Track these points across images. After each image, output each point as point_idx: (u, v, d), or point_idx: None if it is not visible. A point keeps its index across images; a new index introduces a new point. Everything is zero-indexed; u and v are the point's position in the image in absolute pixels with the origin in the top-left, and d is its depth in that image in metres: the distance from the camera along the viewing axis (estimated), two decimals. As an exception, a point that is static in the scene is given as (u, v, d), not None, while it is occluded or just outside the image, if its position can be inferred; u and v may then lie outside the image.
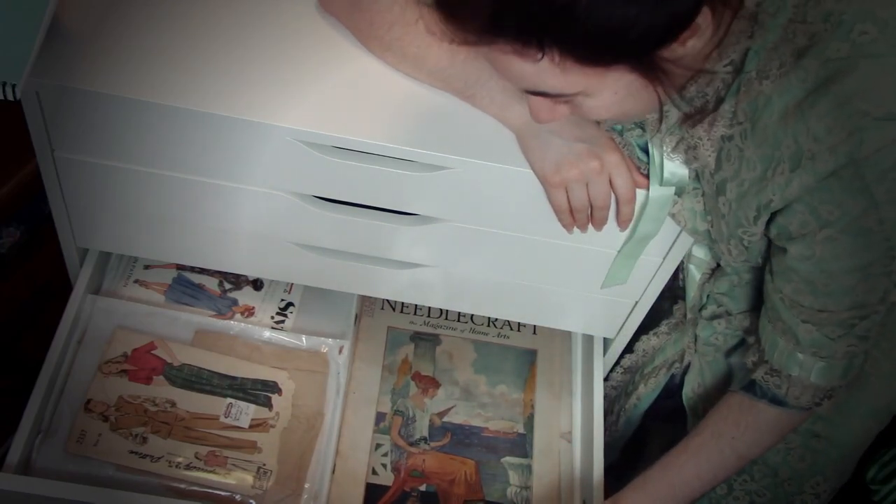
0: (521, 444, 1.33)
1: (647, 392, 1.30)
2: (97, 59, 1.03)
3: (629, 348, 1.34)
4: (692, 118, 0.93)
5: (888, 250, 0.88)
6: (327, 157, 1.06)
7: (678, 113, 0.94)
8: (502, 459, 1.32)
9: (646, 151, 1.03)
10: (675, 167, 1.00)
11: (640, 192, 1.05)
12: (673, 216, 1.07)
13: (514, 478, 1.30)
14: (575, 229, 1.10)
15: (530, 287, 1.23)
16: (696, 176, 1.01)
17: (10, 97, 0.90)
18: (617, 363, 1.37)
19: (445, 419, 1.34)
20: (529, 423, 1.35)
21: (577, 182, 1.03)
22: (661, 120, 0.93)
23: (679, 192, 1.04)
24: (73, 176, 1.12)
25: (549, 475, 1.31)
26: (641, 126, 1.02)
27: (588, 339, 1.39)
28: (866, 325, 0.95)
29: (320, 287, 1.31)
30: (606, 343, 1.36)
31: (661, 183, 1.02)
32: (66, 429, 1.20)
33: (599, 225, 1.08)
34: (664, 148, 0.99)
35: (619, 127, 1.02)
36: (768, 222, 0.93)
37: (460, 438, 1.33)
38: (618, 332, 1.31)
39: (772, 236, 0.95)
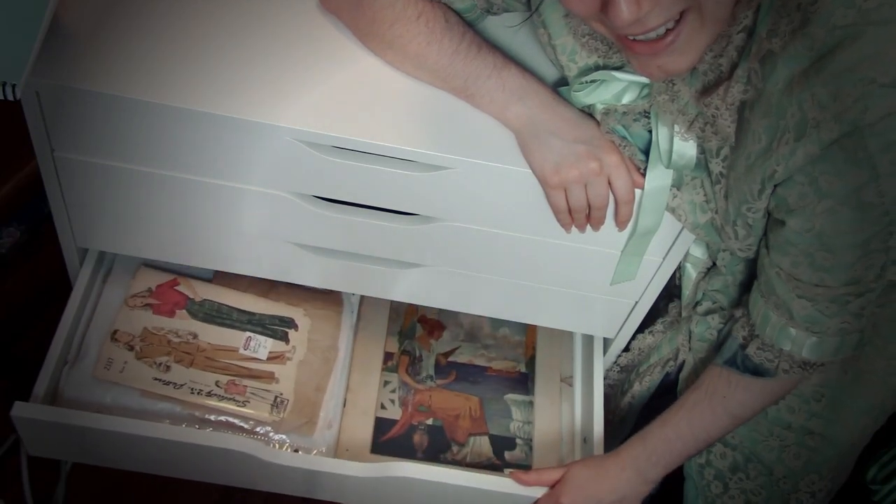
0: (524, 382, 1.38)
1: (641, 390, 1.30)
2: (97, 59, 1.03)
3: (625, 347, 1.34)
4: (707, 91, 0.91)
5: (887, 225, 0.87)
6: (327, 157, 1.06)
7: (690, 91, 0.93)
8: (505, 396, 1.37)
9: (646, 152, 1.03)
10: (684, 148, 0.98)
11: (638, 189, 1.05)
12: (672, 210, 1.06)
13: (516, 413, 1.36)
14: (573, 229, 1.10)
15: (530, 287, 1.23)
16: (699, 161, 1.01)
17: (10, 97, 0.90)
18: (613, 362, 1.37)
19: (450, 359, 1.39)
20: (531, 363, 1.41)
21: (575, 183, 1.03)
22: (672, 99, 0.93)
23: (678, 185, 1.04)
24: (73, 176, 1.12)
25: (550, 411, 1.36)
26: (647, 114, 1.01)
27: (588, 339, 1.39)
28: (861, 302, 0.95)
29: (320, 287, 1.31)
30: (606, 343, 1.36)
31: (669, 165, 1.00)
32: (93, 356, 1.25)
33: (597, 225, 1.08)
34: (675, 129, 0.97)
35: (619, 128, 1.02)
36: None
37: (465, 377, 1.38)
38: (618, 332, 1.31)
39: (770, 208, 0.94)
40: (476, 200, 1.10)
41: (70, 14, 1.06)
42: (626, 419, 1.35)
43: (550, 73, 1.09)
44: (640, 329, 1.31)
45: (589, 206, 1.06)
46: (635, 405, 1.33)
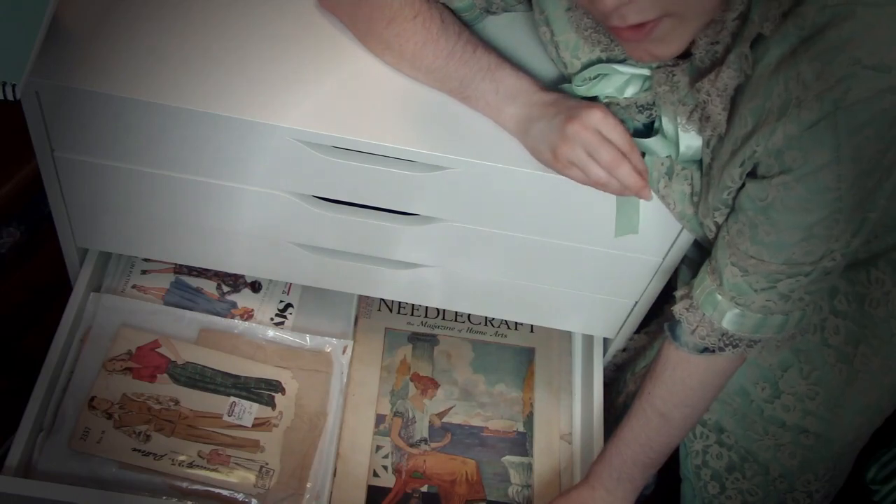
0: (521, 443, 1.33)
1: (636, 391, 1.30)
2: (97, 59, 1.03)
3: (622, 347, 1.34)
4: (700, 76, 0.91)
5: (835, 212, 0.87)
6: (327, 157, 1.06)
7: (688, 80, 0.93)
8: (503, 458, 1.32)
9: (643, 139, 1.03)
10: (690, 139, 0.98)
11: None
12: (663, 198, 1.06)
13: (515, 476, 1.31)
14: (626, 182, 1.02)
15: (530, 287, 1.23)
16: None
17: (10, 97, 0.90)
18: (610, 361, 1.37)
19: (445, 419, 1.34)
20: (529, 421, 1.35)
21: (574, 151, 1.00)
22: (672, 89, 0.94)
23: (669, 175, 1.04)
24: (73, 176, 1.12)
25: (549, 473, 1.31)
26: (649, 107, 1.01)
27: (588, 339, 1.39)
28: (791, 284, 0.94)
29: (320, 287, 1.31)
30: (606, 343, 1.36)
31: (678, 157, 1.00)
32: (69, 426, 1.20)
33: (629, 176, 1.01)
34: (678, 120, 0.97)
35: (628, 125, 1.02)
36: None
37: (460, 438, 1.33)
38: (617, 333, 1.31)
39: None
40: (476, 200, 1.11)
41: (70, 14, 1.06)
42: (620, 420, 1.34)
43: (548, 72, 1.09)
44: (637, 329, 1.31)
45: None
46: (630, 405, 1.32)
